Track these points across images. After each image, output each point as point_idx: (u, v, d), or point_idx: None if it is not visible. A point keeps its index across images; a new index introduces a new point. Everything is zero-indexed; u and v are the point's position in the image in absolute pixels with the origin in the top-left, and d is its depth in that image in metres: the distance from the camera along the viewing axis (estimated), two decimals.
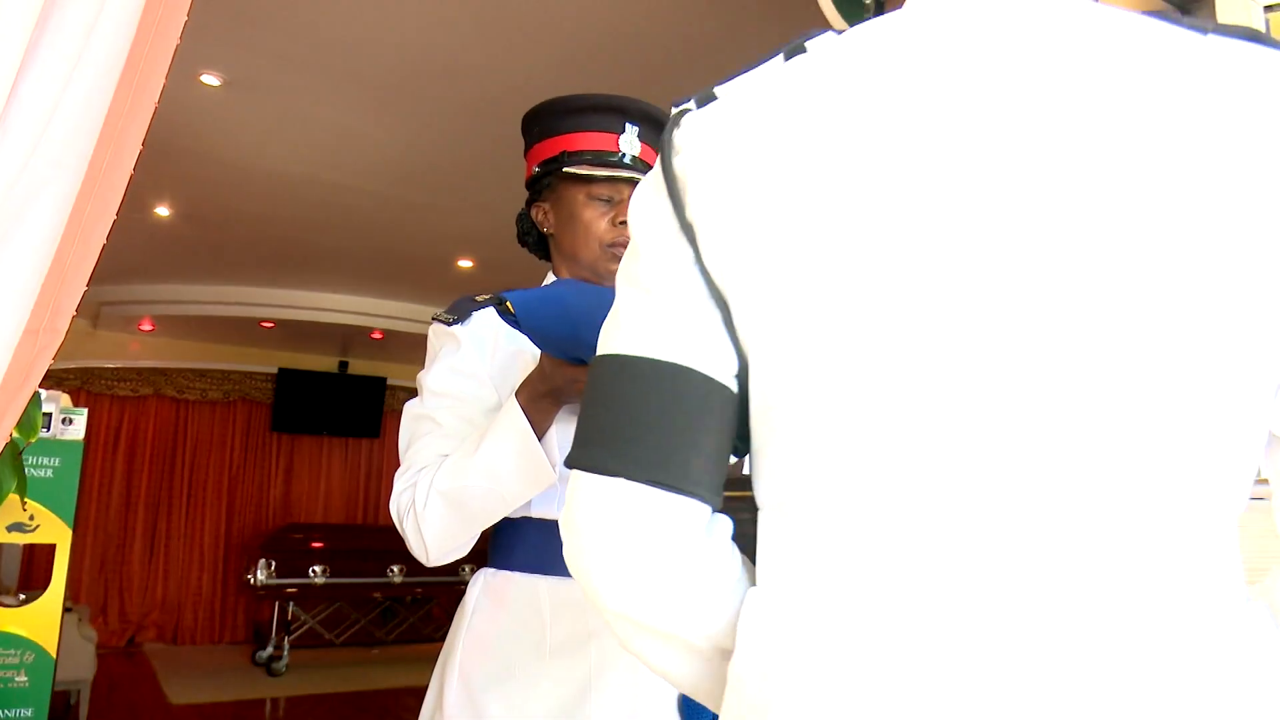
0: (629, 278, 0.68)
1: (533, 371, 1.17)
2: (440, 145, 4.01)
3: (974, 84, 0.60)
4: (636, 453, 0.62)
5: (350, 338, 7.37)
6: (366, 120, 3.79)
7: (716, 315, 0.63)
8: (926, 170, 0.58)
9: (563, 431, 1.21)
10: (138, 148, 0.91)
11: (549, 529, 1.20)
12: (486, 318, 1.32)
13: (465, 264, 5.85)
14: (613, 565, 0.63)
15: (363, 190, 4.59)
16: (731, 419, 0.64)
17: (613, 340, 0.66)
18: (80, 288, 0.91)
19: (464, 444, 1.20)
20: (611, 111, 1.35)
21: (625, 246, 1.28)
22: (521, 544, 1.26)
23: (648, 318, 0.64)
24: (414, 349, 8.13)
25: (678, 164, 0.66)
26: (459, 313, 1.32)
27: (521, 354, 1.30)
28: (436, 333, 1.33)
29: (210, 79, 3.42)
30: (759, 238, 0.61)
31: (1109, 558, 0.55)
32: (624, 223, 1.29)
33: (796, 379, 0.60)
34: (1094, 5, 0.62)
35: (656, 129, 1.36)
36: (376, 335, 7.13)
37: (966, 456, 0.56)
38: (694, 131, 0.66)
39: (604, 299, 0.95)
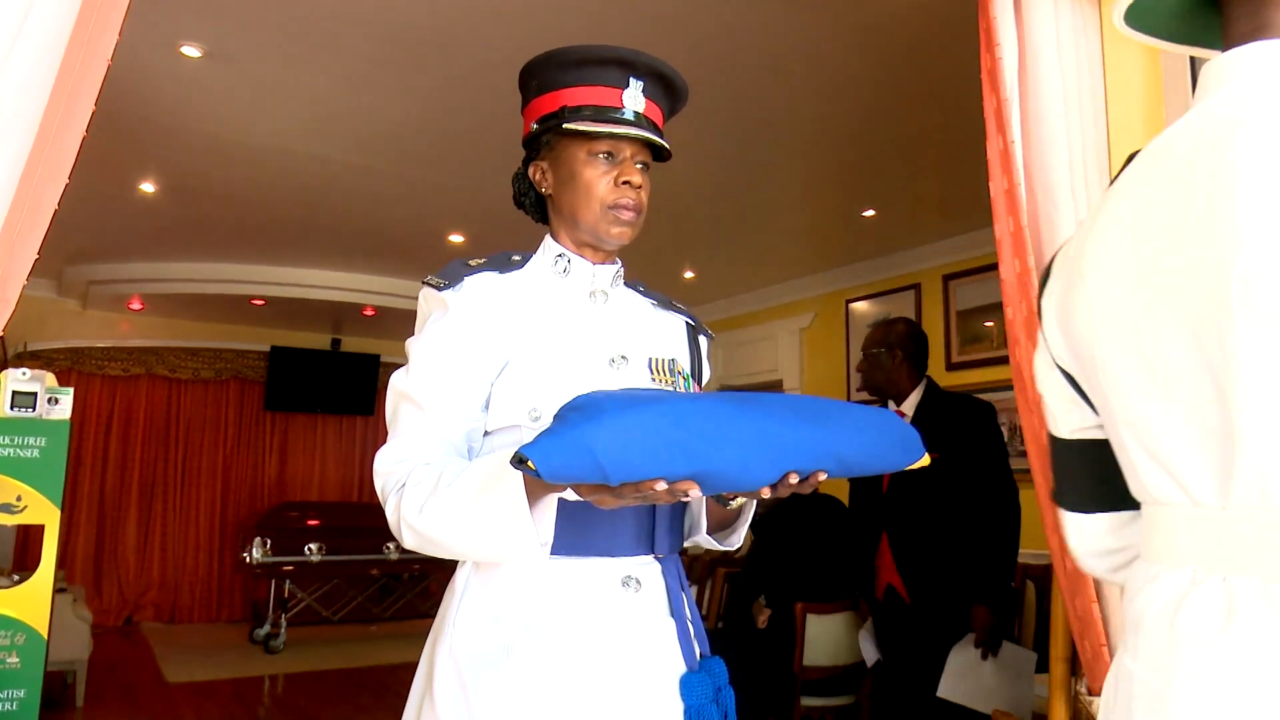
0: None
1: None
2: (430, 117, 3.94)
3: None
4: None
5: (342, 315, 7.32)
6: (353, 92, 3.71)
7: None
8: None
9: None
10: (90, 108, 0.86)
11: (568, 510, 1.16)
12: (480, 283, 1.26)
13: (457, 239, 5.79)
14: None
15: (351, 164, 4.52)
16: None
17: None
18: (31, 255, 0.87)
19: (445, 473, 1.11)
20: (615, 64, 1.27)
21: (627, 209, 1.25)
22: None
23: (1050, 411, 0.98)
24: (407, 325, 8.10)
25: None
26: (450, 277, 1.26)
27: (516, 317, 1.25)
28: (426, 298, 1.28)
29: (190, 50, 3.34)
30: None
31: None
32: (626, 182, 1.25)
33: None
34: None
35: (663, 86, 1.31)
36: (369, 312, 7.08)
37: None
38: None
39: (631, 434, 0.91)
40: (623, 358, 1.27)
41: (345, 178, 4.70)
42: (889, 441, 1.06)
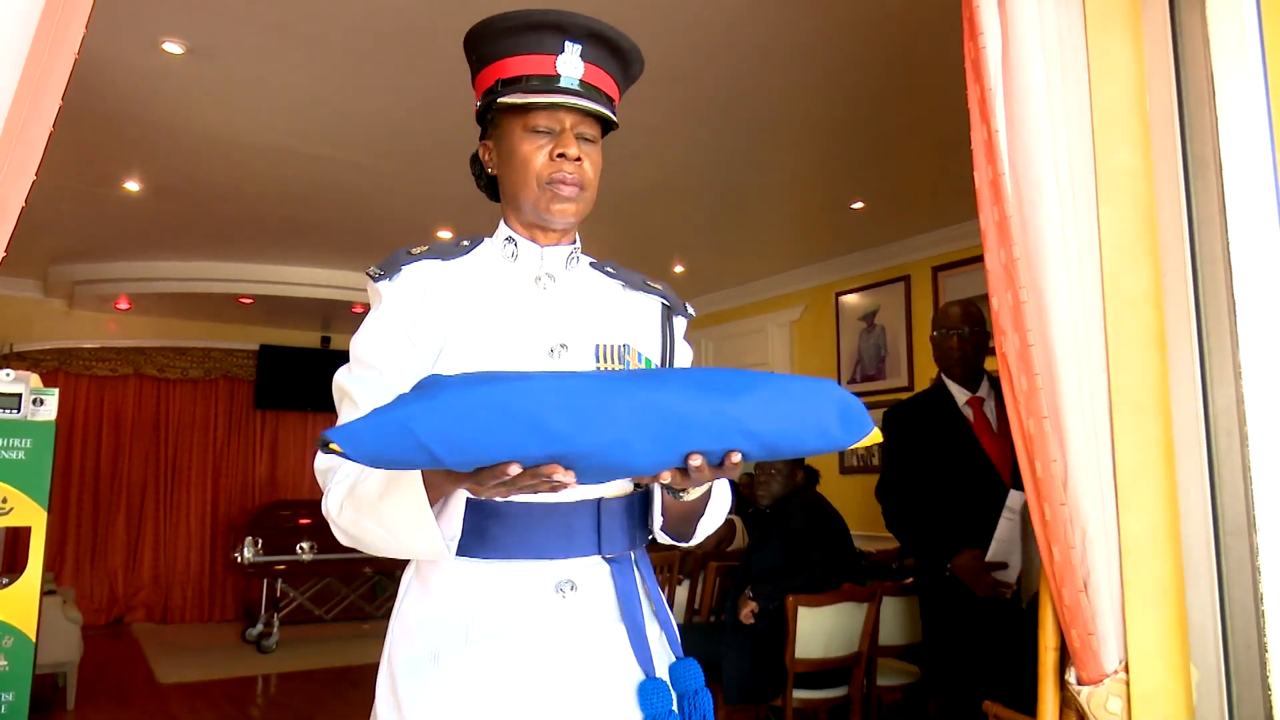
0: None
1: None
2: (416, 111, 3.92)
3: None
4: None
5: (331, 312, 7.29)
6: (339, 87, 3.69)
7: None
8: None
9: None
10: (57, 103, 0.85)
11: (481, 509, 1.11)
12: (417, 271, 1.20)
13: (445, 234, 5.77)
14: None
15: (338, 160, 4.49)
16: None
17: None
18: None
19: (363, 471, 1.07)
20: (546, 29, 1.17)
21: (565, 183, 1.17)
22: (476, 531, 1.14)
23: None
24: None
25: None
26: (388, 267, 1.20)
27: (454, 305, 1.19)
28: (368, 290, 1.23)
29: (172, 47, 3.31)
30: None
31: None
32: (562, 155, 1.16)
33: None
34: None
35: (606, 48, 1.20)
36: (358, 309, 7.05)
37: None
38: None
39: (465, 412, 0.82)
40: (563, 346, 1.18)
41: (332, 174, 4.67)
42: (821, 415, 0.90)
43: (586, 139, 1.20)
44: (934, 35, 3.16)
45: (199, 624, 7.48)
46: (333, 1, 3.03)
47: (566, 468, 0.86)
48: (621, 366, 1.20)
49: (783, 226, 5.72)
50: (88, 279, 6.45)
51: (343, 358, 1.20)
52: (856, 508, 5.67)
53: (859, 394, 5.65)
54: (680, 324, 1.34)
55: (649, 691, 1.13)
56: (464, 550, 1.11)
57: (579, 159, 1.18)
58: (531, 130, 1.19)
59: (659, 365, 1.26)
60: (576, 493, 1.13)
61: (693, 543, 1.27)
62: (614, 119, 1.21)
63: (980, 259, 1.63)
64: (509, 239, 1.25)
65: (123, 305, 6.99)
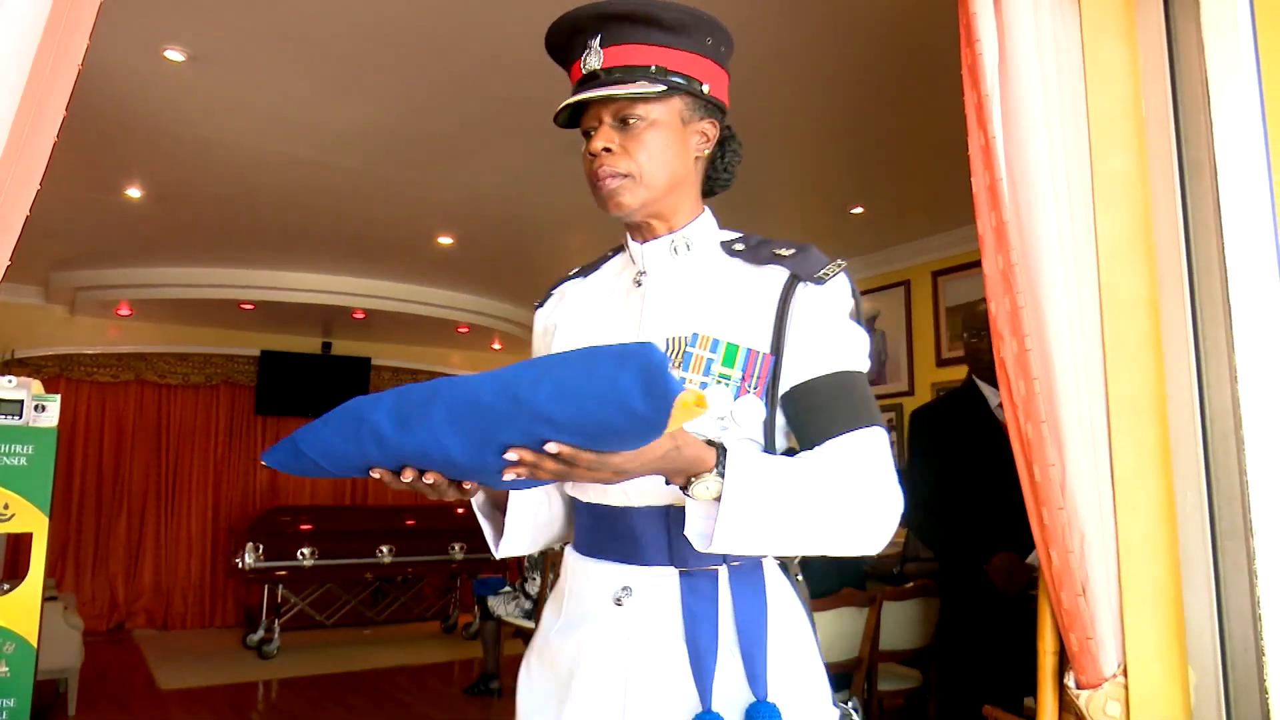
0: None
1: None
2: (417, 119, 3.93)
3: None
4: None
5: (332, 318, 7.30)
6: (339, 94, 3.70)
7: None
8: None
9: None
10: (61, 112, 0.86)
11: (586, 510, 1.19)
12: (559, 293, 1.33)
13: (445, 240, 5.78)
14: None
15: (338, 166, 4.50)
16: None
17: None
18: (3, 261, 0.86)
19: None
20: (567, 34, 1.18)
21: (599, 178, 1.14)
22: (577, 523, 1.24)
23: None
24: (397, 328, 8.07)
25: None
26: (542, 295, 1.34)
27: (570, 319, 1.27)
28: None
29: (174, 54, 3.33)
30: None
31: None
32: (593, 154, 1.15)
33: None
34: None
35: (625, 23, 1.15)
36: (359, 315, 7.06)
37: None
38: None
39: (328, 426, 0.92)
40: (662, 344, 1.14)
41: (332, 180, 4.68)
42: (621, 389, 0.80)
43: (629, 122, 1.15)
44: (931, 41, 3.17)
45: (200, 630, 7.48)
46: (332, 9, 3.04)
47: (417, 469, 0.91)
48: (681, 358, 1.12)
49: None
50: (89, 285, 6.46)
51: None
52: None
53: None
54: (806, 292, 1.13)
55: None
56: (577, 546, 1.22)
57: (605, 149, 1.14)
58: (584, 135, 1.19)
59: (767, 343, 1.11)
60: (644, 497, 1.10)
61: (712, 549, 1.00)
62: (646, 92, 1.14)
63: (980, 263, 1.64)
64: (624, 244, 1.30)
65: (124, 311, 7.00)
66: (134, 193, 4.86)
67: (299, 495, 8.05)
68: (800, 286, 1.13)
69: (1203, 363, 1.58)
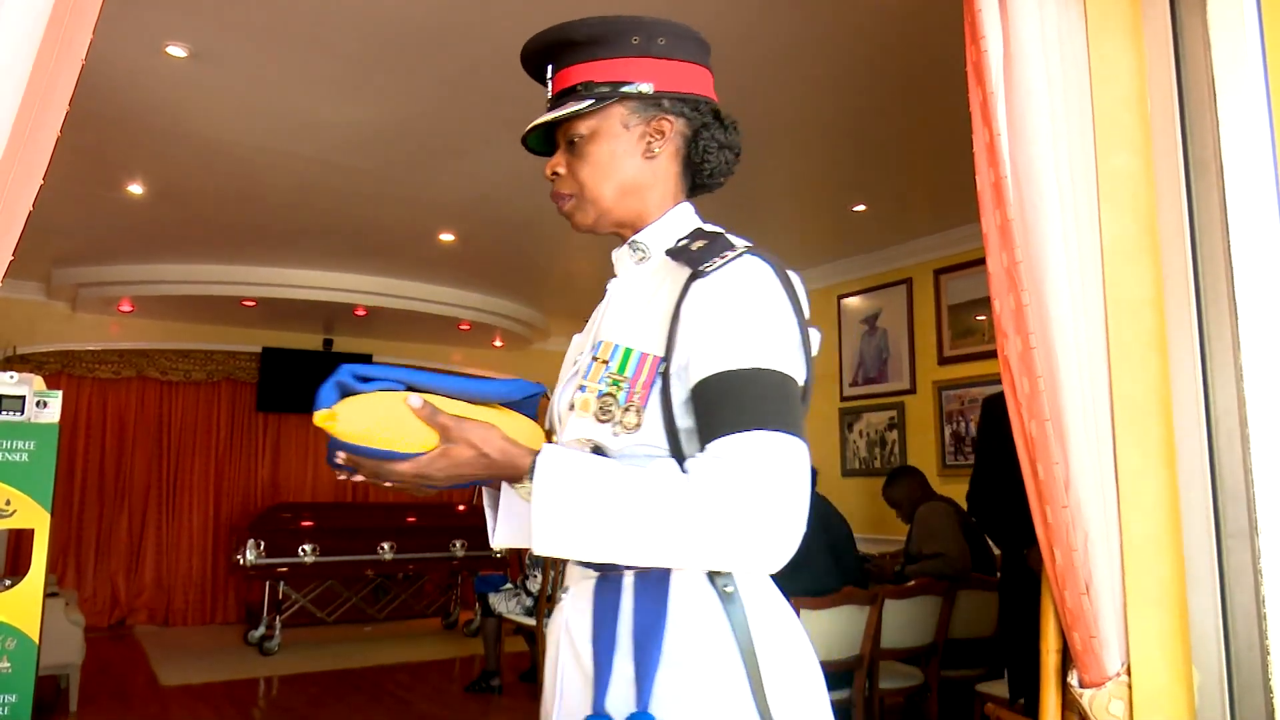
0: None
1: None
2: (419, 116, 3.93)
3: None
4: None
5: (334, 315, 7.30)
6: (341, 92, 3.70)
7: None
8: None
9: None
10: (64, 108, 0.85)
11: None
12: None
13: (447, 237, 5.78)
14: None
15: (340, 164, 4.50)
16: None
17: None
18: (5, 257, 0.86)
19: None
20: (535, 69, 1.25)
21: (554, 198, 1.21)
22: None
23: None
24: (398, 325, 8.07)
25: None
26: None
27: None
28: None
29: (176, 50, 3.32)
30: None
31: None
32: (554, 175, 1.21)
33: None
34: None
35: (560, 49, 1.20)
36: (360, 312, 7.06)
37: None
38: None
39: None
40: (591, 350, 1.16)
41: (334, 178, 4.68)
42: (321, 404, 0.97)
43: (574, 142, 1.19)
44: (935, 39, 3.16)
45: (201, 626, 7.48)
46: (334, 7, 3.04)
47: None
48: (587, 365, 1.14)
49: (785, 229, 5.72)
50: (91, 282, 6.46)
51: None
52: (859, 510, 5.68)
53: (860, 396, 5.68)
54: (695, 287, 1.07)
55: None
56: None
57: (555, 174, 1.21)
58: None
59: (661, 345, 1.08)
60: None
61: (529, 545, 1.05)
62: (573, 111, 1.16)
63: (981, 262, 1.63)
64: None
65: (126, 308, 7.00)
66: (136, 189, 4.86)
67: (300, 492, 8.05)
68: (694, 283, 1.08)
69: (1208, 361, 1.58)
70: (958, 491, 3.90)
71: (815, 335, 1.17)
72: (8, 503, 3.20)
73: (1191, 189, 1.62)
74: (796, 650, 1.08)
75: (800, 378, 1.08)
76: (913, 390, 5.84)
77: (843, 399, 6.35)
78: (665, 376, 1.05)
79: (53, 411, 3.32)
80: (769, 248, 1.16)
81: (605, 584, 1.09)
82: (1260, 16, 1.55)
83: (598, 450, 1.08)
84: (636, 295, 1.17)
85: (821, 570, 3.44)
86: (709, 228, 1.18)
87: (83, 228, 5.51)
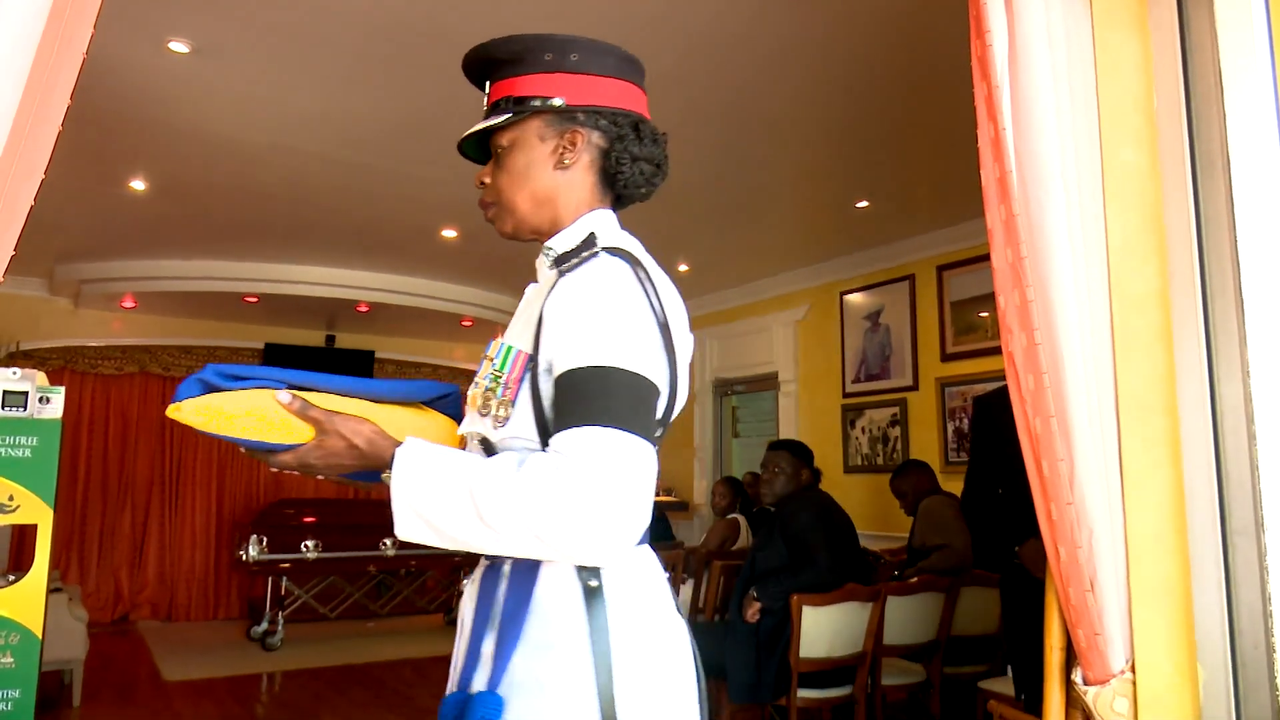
0: None
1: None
2: (420, 113, 3.92)
3: None
4: None
5: (336, 311, 7.30)
6: (343, 87, 3.69)
7: None
8: None
9: None
10: (65, 103, 0.85)
11: None
12: None
13: (449, 234, 5.77)
14: None
15: (342, 159, 4.50)
16: None
17: None
18: (7, 252, 0.85)
19: None
20: (473, 80, 1.34)
21: (483, 205, 1.29)
22: None
23: None
24: (401, 321, 8.07)
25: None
26: None
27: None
28: None
29: (178, 46, 3.32)
30: None
31: None
32: (481, 184, 1.31)
33: None
34: None
35: (490, 64, 1.30)
36: (363, 308, 7.06)
37: None
38: None
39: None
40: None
41: (336, 173, 4.68)
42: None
43: (497, 153, 1.29)
44: (939, 33, 3.15)
45: (204, 622, 7.50)
46: (338, 3, 3.03)
47: None
48: (482, 363, 1.20)
49: (787, 226, 5.71)
50: (93, 278, 6.47)
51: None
52: (862, 506, 5.67)
53: (862, 393, 5.69)
54: (558, 286, 1.12)
55: (444, 708, 1.09)
56: None
57: (482, 183, 1.30)
58: None
59: (530, 342, 1.13)
60: None
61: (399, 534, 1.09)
62: (492, 124, 1.26)
63: (984, 258, 1.63)
64: None
65: (128, 304, 7.01)
66: (138, 185, 4.85)
67: (303, 488, 8.05)
68: (558, 282, 1.13)
69: (1213, 357, 1.57)
70: (960, 488, 3.90)
71: (687, 340, 1.21)
72: (11, 498, 3.20)
73: (1198, 184, 1.61)
74: (659, 650, 1.12)
75: (657, 379, 1.09)
76: (915, 387, 5.83)
77: (845, 396, 6.34)
78: (535, 372, 1.11)
79: (55, 407, 3.32)
80: (641, 247, 1.21)
81: (490, 571, 1.16)
82: (1268, 10, 1.54)
83: (485, 442, 1.15)
84: (535, 298, 1.22)
85: (823, 567, 3.44)
86: (612, 234, 1.22)
87: (85, 224, 5.51)
